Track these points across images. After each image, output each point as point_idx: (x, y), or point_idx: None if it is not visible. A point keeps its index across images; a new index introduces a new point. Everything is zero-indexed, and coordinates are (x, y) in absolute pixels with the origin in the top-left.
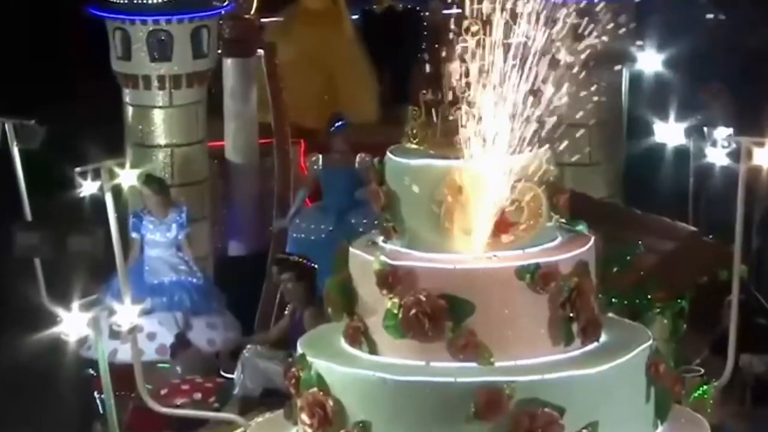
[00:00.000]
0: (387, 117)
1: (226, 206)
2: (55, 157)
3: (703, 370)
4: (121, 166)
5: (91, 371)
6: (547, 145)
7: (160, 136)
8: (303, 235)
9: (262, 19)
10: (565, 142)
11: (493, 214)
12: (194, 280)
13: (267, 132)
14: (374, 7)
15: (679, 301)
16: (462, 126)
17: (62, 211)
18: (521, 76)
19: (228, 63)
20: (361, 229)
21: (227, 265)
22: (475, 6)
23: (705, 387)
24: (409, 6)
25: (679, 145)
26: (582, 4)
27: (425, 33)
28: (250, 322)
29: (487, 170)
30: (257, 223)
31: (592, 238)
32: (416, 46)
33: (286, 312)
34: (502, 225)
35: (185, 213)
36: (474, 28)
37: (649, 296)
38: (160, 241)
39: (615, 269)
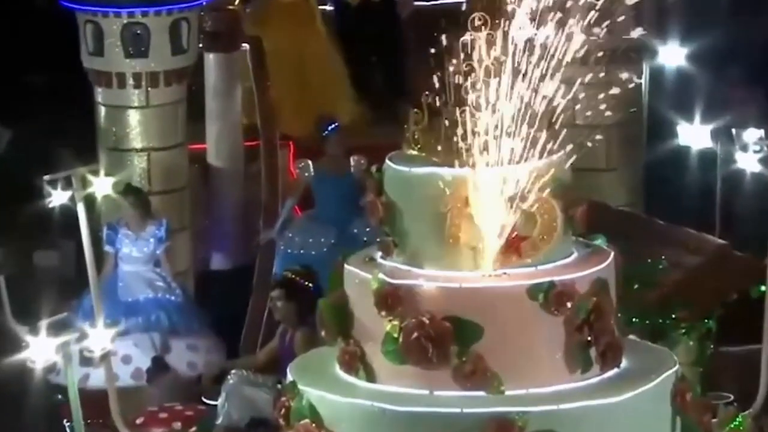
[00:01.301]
0: (376, 117)
1: (209, 215)
2: (19, 162)
3: (732, 397)
4: (95, 173)
5: (61, 397)
6: (562, 152)
7: (136, 139)
8: (301, 251)
9: (248, 9)
10: (580, 146)
11: (502, 227)
12: (173, 298)
13: (253, 134)
14: None
15: (706, 321)
16: (468, 131)
17: (28, 223)
18: (533, 75)
19: (210, 58)
20: (365, 239)
21: (209, 280)
22: None
23: (740, 418)
24: None
25: (705, 149)
26: None
27: (405, 27)
28: (234, 343)
29: (496, 179)
30: (242, 234)
31: (612, 254)
32: (398, 40)
33: (278, 332)
34: (513, 240)
35: (165, 227)
36: (479, 22)
37: (673, 316)
38: (137, 256)
39: (636, 286)
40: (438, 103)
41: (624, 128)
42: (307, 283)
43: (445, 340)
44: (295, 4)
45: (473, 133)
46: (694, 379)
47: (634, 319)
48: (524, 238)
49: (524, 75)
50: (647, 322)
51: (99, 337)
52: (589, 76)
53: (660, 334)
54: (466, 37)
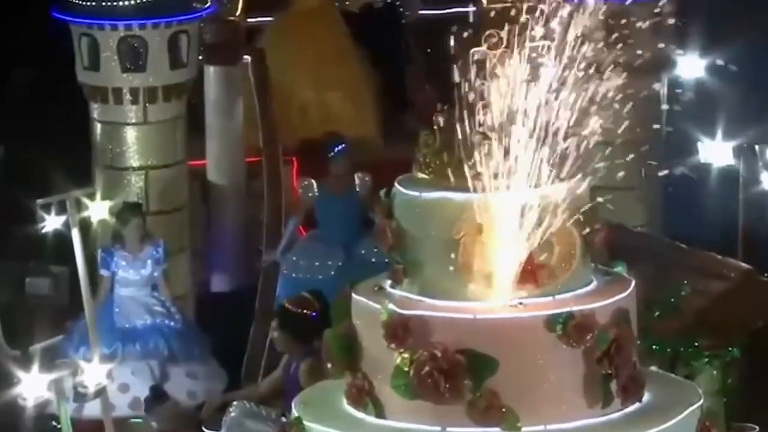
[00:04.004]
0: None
1: (209, 235)
2: (11, 182)
3: (757, 428)
4: (90, 196)
5: (55, 424)
6: (580, 175)
7: (133, 157)
8: (308, 276)
9: (249, 19)
10: (595, 163)
11: (518, 255)
12: (172, 323)
13: (255, 150)
14: (346, 3)
15: (730, 349)
16: (481, 153)
17: (20, 247)
18: (548, 93)
19: (210, 72)
20: (373, 260)
21: (210, 303)
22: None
23: None
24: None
25: (726, 166)
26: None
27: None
28: (236, 370)
29: (511, 204)
30: (244, 255)
31: (633, 282)
32: (403, 50)
33: (282, 362)
34: (529, 268)
35: (162, 248)
36: (494, 40)
37: (696, 344)
38: (134, 279)
39: (657, 314)
40: (449, 125)
41: (641, 144)
42: (305, 311)
43: (459, 374)
44: (319, 11)
45: (487, 155)
46: (718, 409)
47: (654, 347)
48: (541, 266)
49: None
50: (668, 350)
51: (94, 372)
52: (605, 91)
53: (681, 362)
54: (480, 54)
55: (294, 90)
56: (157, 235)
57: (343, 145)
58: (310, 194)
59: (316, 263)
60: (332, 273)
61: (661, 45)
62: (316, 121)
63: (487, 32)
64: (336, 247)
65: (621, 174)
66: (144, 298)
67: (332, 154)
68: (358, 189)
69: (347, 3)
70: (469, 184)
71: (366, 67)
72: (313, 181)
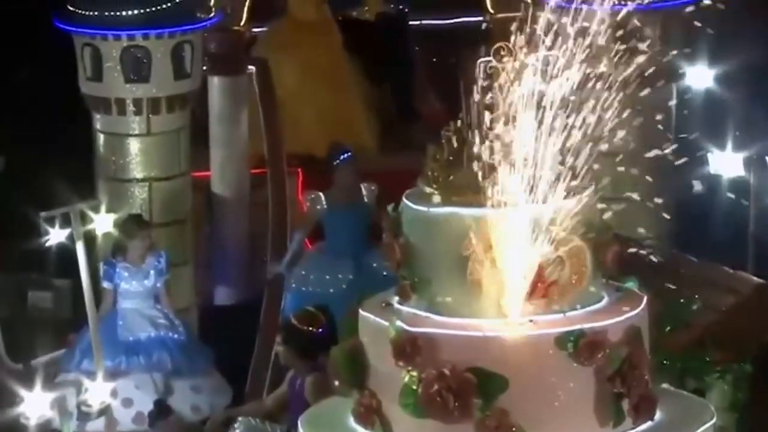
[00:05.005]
0: (388, 141)
1: (213, 247)
2: (12, 194)
3: None
4: (94, 209)
5: None
6: (591, 187)
7: (137, 169)
8: (318, 289)
9: (254, 29)
10: (605, 177)
11: (528, 271)
12: (176, 336)
13: (259, 161)
14: (354, 14)
15: (741, 364)
16: (492, 168)
17: (22, 259)
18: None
19: (214, 82)
20: (384, 273)
21: (213, 316)
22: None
23: None
24: (401, 7)
25: (737, 177)
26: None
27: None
28: (240, 384)
29: (521, 220)
30: (248, 267)
31: (645, 298)
32: (409, 60)
33: (288, 377)
34: (540, 285)
35: (164, 258)
36: (504, 51)
37: (707, 358)
38: (137, 291)
39: (668, 328)
40: (458, 138)
41: (650, 155)
42: (310, 327)
43: (468, 392)
44: (316, 20)
45: (497, 170)
46: (729, 424)
47: (664, 362)
48: (552, 283)
49: (549, 106)
50: (678, 364)
51: (98, 390)
52: (614, 101)
53: (692, 375)
54: (489, 65)
55: (283, 101)
56: (160, 247)
57: (348, 154)
58: (318, 206)
59: (327, 277)
60: (343, 287)
61: (672, 53)
62: (308, 132)
63: (497, 45)
64: (345, 259)
65: (629, 185)
66: (148, 311)
67: (337, 162)
68: (365, 199)
69: (366, 9)
70: (479, 199)
71: (359, 77)
72: (320, 193)
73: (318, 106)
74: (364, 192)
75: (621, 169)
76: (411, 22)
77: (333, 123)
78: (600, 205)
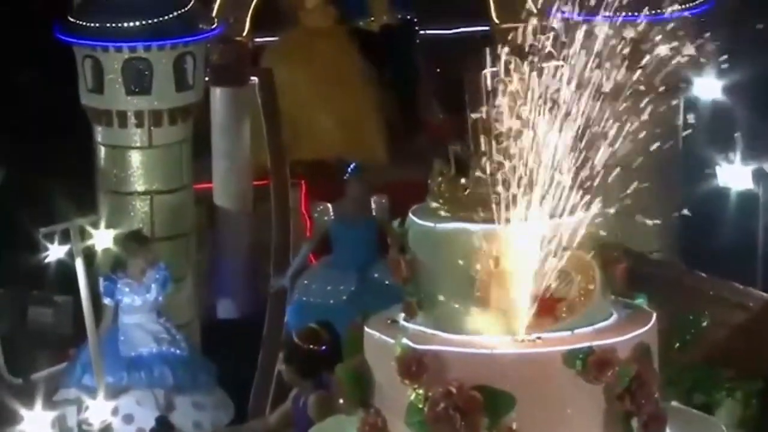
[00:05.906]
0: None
1: (215, 261)
2: (12, 208)
3: None
4: (94, 224)
5: None
6: (599, 205)
7: (138, 182)
8: (319, 300)
9: (257, 39)
10: (613, 192)
11: (535, 288)
12: (178, 351)
13: (262, 173)
14: (360, 24)
15: (751, 380)
16: (498, 183)
17: (22, 275)
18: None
19: (217, 93)
20: (387, 282)
21: (216, 330)
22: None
23: None
24: (409, 17)
25: (745, 191)
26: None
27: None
28: (243, 400)
29: (529, 236)
30: (251, 281)
31: (654, 315)
32: (417, 70)
33: (291, 394)
34: (547, 301)
35: (164, 271)
36: (510, 64)
37: (716, 375)
38: (139, 306)
39: (677, 345)
40: (465, 153)
41: (656, 167)
42: (313, 346)
43: (475, 411)
44: (328, 29)
45: (504, 185)
46: None
47: (672, 378)
48: (559, 300)
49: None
50: (688, 381)
51: (99, 408)
52: (620, 113)
53: (700, 391)
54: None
55: (291, 112)
56: (161, 261)
57: (356, 165)
58: (325, 218)
59: (329, 287)
60: (344, 298)
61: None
62: (317, 144)
63: (504, 57)
64: (350, 272)
65: (637, 199)
66: (150, 325)
67: (347, 175)
68: (374, 212)
69: (372, 20)
70: (486, 215)
71: (374, 88)
72: (328, 205)
73: (333, 112)
74: (373, 205)
75: (632, 185)
76: (417, 32)
77: (348, 129)
78: (608, 221)
